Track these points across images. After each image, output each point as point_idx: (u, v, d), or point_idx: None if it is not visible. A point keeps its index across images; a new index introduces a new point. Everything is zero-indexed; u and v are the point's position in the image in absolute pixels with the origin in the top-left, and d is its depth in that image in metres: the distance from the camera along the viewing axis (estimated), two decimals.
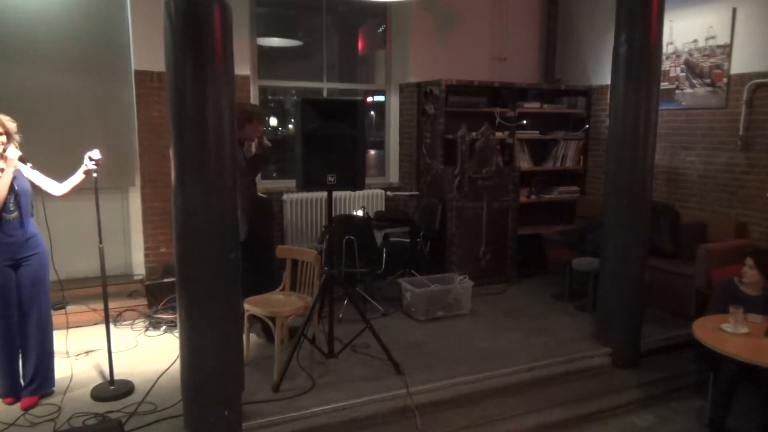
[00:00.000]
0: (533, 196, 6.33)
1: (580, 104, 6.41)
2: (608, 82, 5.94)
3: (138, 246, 5.32)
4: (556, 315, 4.88)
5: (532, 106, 6.20)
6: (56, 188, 3.49)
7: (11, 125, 3.38)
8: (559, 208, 6.53)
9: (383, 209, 6.07)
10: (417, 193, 6.08)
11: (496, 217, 5.62)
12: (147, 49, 4.93)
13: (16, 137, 3.40)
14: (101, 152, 3.53)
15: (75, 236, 4.99)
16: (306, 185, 3.66)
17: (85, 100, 5.00)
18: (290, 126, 6.63)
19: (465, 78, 5.96)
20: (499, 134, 5.92)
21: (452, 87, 5.76)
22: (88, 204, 3.75)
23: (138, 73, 5.03)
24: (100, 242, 3.53)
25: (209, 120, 2.84)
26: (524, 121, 6.15)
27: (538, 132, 6.29)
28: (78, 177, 3.51)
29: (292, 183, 5.62)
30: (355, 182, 3.71)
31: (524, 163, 6.27)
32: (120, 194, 5.31)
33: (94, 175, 3.48)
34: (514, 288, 5.62)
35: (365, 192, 5.88)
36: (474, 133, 5.58)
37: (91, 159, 3.47)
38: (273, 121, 6.51)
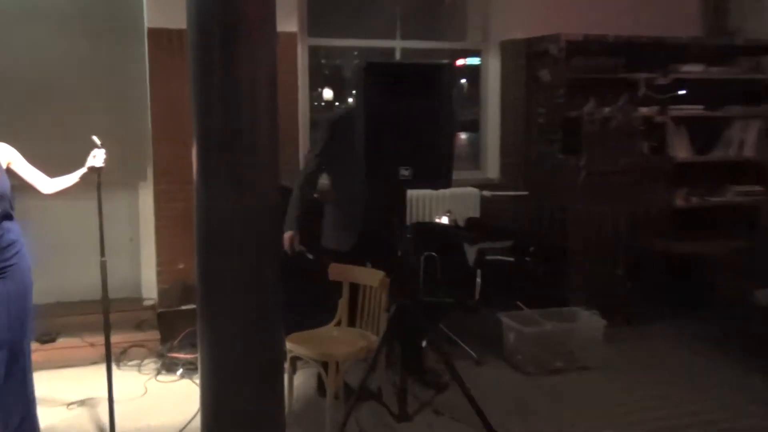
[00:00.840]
0: (694, 199, 6.13)
1: (766, 66, 6.17)
2: None
3: (149, 260, 5.54)
4: (736, 376, 4.68)
5: (694, 69, 6.03)
6: (45, 183, 3.68)
7: None
8: (734, 217, 6.30)
9: (477, 215, 6.04)
10: (525, 193, 6.03)
11: (639, 228, 5.52)
12: (164, 1, 5.15)
13: None
14: (102, 139, 3.71)
15: (67, 246, 5.26)
16: (372, 180, 3.69)
17: (81, 66, 5.26)
18: (350, 100, 6.73)
19: (595, 31, 5.86)
20: (643, 110, 5.80)
21: (576, 44, 5.69)
22: (86, 205, 3.91)
23: (152, 32, 5.26)
24: (102, 255, 3.70)
25: (242, 93, 2.93)
26: (681, 92, 5.99)
27: (701, 107, 6.09)
28: (73, 178, 3.70)
29: None
30: (439, 177, 3.71)
31: (681, 151, 6.09)
32: (126, 192, 5.56)
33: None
34: (667, 330, 5.45)
35: (452, 191, 5.86)
36: (607, 109, 5.48)
37: (94, 168, 3.63)
38: (327, 94, 6.64)
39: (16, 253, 3.50)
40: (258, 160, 3.00)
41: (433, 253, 4.77)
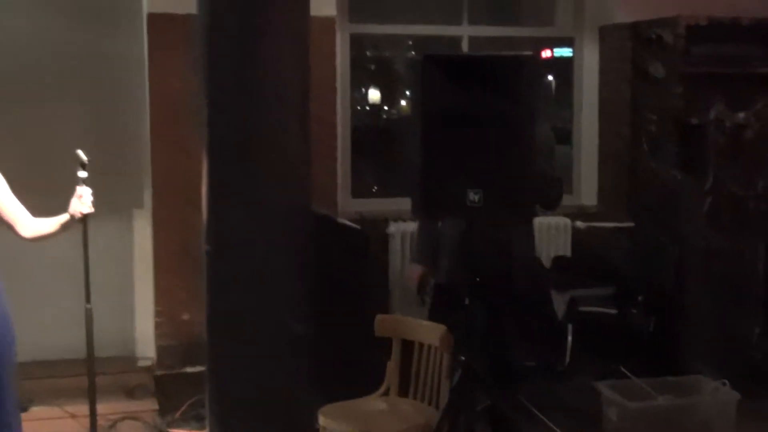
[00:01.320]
0: None
1: None
2: None
3: (145, 309, 5.60)
4: None
5: None
6: (25, 224, 3.74)
7: None
8: None
9: (568, 253, 6.01)
10: (631, 224, 5.98)
11: None
12: None
13: None
14: (90, 154, 3.77)
15: (43, 290, 5.33)
16: (428, 207, 3.69)
17: (63, 59, 5.37)
18: (403, 103, 6.76)
19: (722, 13, 5.81)
20: None
21: (699, 30, 5.65)
22: (68, 237, 3.98)
23: (152, 17, 5.36)
24: (88, 301, 3.73)
25: (266, 92, 2.95)
26: None
27: None
28: (52, 225, 3.75)
29: (402, 204, 5.70)
30: (518, 204, 3.70)
31: None
32: (119, 221, 5.63)
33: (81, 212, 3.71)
34: None
35: (536, 221, 5.82)
36: (741, 114, 5.43)
37: (78, 216, 3.69)
38: (373, 95, 6.69)
39: None
40: (285, 178, 3.01)
41: (510, 303, 4.74)
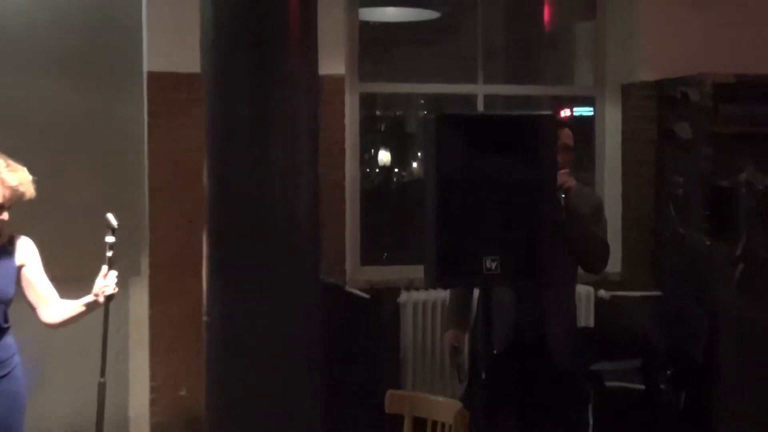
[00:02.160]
0: None
1: None
2: None
3: (139, 384, 5.56)
4: None
5: None
6: (50, 309, 3.75)
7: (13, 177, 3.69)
8: None
9: (591, 324, 5.98)
10: (658, 293, 5.96)
11: None
12: (169, 38, 5.32)
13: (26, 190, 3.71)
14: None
15: (37, 359, 5.31)
16: (442, 275, 3.68)
17: (60, 118, 5.44)
18: (414, 164, 6.78)
19: (752, 69, 5.84)
20: None
21: (727, 88, 5.66)
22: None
23: (153, 76, 5.41)
24: (102, 375, 3.72)
25: (274, 155, 2.97)
26: None
27: None
28: (76, 307, 3.78)
29: (414, 271, 5.70)
30: (538, 271, 3.69)
31: None
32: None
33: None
34: None
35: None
36: None
37: (103, 297, 3.72)
38: (383, 157, 6.72)
39: (10, 373, 3.64)
40: (292, 245, 3.01)
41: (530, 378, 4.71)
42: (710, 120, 5.65)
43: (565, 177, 4.12)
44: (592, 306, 5.98)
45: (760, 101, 5.78)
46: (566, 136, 4.36)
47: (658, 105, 6.03)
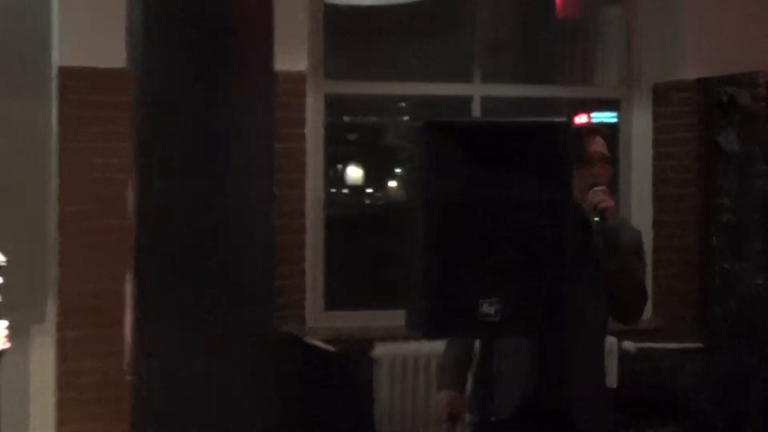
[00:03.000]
0: None
1: None
2: None
3: None
4: None
5: None
6: None
7: None
8: None
9: (614, 384, 5.95)
10: (699, 345, 5.98)
11: None
12: (85, 25, 5.29)
13: None
14: None
15: None
16: (428, 323, 3.67)
17: None
18: (393, 184, 6.79)
19: None
20: None
21: None
22: None
23: (65, 73, 5.38)
24: None
25: (218, 176, 2.97)
26: None
27: None
28: None
29: (392, 318, 5.69)
30: (551, 317, 3.69)
31: None
32: (10, 341, 5.58)
33: None
34: None
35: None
36: None
37: None
38: (353, 173, 6.73)
39: None
40: (240, 287, 3.01)
41: None
42: (765, 129, 5.68)
43: (601, 195, 4.05)
44: (615, 361, 5.98)
45: None
46: (599, 144, 4.31)
47: (699, 110, 6.05)
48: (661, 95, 6.30)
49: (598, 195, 4.01)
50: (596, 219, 3.97)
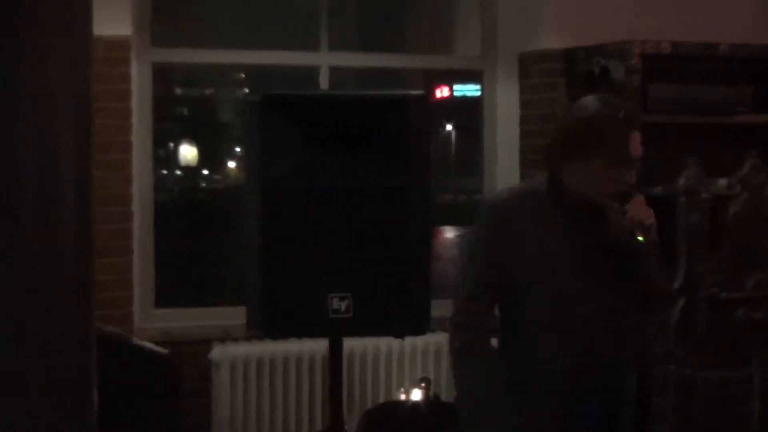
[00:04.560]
0: None
1: None
2: None
3: None
4: None
5: None
6: None
7: None
8: None
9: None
10: None
11: None
12: None
13: None
14: None
15: None
16: (272, 321, 3.67)
17: None
18: (232, 165, 6.75)
19: (690, 37, 6.01)
20: None
21: (659, 60, 5.85)
22: None
23: None
24: None
25: (20, 158, 2.89)
26: None
27: None
28: None
29: (232, 316, 5.67)
30: (406, 314, 3.71)
31: None
32: None
33: None
34: None
35: (433, 340, 5.87)
36: (722, 181, 5.57)
37: None
38: (187, 153, 6.66)
39: None
40: (54, 280, 2.94)
41: None
42: (638, 104, 5.73)
43: (643, 208, 3.75)
44: None
45: (704, 79, 5.93)
46: (637, 141, 3.88)
47: (568, 82, 6.15)
48: (526, 66, 6.39)
49: (643, 209, 3.73)
50: (640, 238, 3.66)
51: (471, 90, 6.57)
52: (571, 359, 3.79)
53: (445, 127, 6.77)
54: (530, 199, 3.80)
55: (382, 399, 5.73)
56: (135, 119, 5.77)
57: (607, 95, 4.00)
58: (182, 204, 6.46)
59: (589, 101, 3.81)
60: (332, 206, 3.67)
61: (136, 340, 5.42)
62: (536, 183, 3.89)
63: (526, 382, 3.86)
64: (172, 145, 6.49)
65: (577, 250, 3.75)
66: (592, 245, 3.73)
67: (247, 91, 6.45)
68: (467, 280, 3.87)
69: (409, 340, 5.58)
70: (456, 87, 6.68)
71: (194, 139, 6.58)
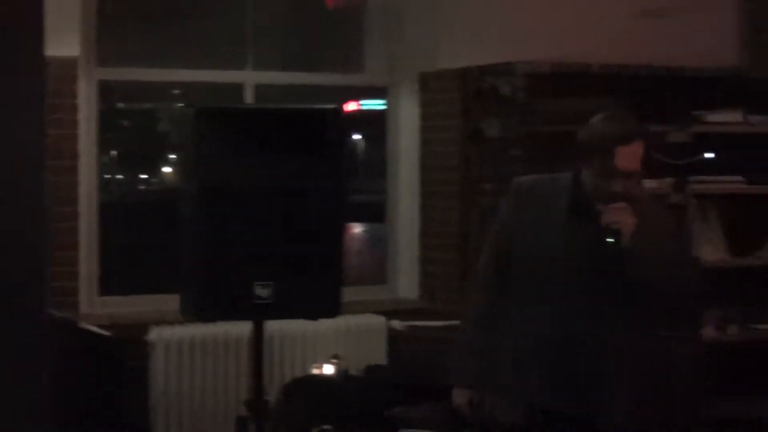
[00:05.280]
0: (733, 328, 6.33)
1: None
2: None
3: None
4: None
5: (728, 119, 6.30)
6: None
7: None
8: None
9: (383, 362, 6.09)
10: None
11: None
12: None
13: None
14: None
15: None
16: (203, 307, 3.68)
17: None
18: (168, 170, 6.73)
19: (571, 58, 6.06)
20: (651, 185, 5.95)
21: (542, 78, 5.88)
22: None
23: None
24: None
25: None
26: (709, 155, 6.26)
27: (740, 179, 6.34)
28: None
29: (168, 302, 5.64)
30: (321, 299, 3.74)
31: (711, 250, 6.32)
32: None
33: None
34: None
35: (341, 323, 5.88)
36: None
37: None
38: (128, 160, 6.63)
39: None
40: (10, 273, 2.94)
41: (328, 427, 4.77)
42: (524, 117, 5.81)
43: (614, 215, 3.71)
44: (383, 340, 6.11)
45: (581, 95, 5.94)
46: (627, 156, 3.78)
47: (462, 98, 6.15)
48: (426, 84, 6.41)
49: (611, 214, 3.71)
50: (610, 240, 3.67)
51: (377, 104, 6.57)
52: (550, 341, 3.81)
53: (354, 137, 6.75)
54: (553, 188, 3.91)
55: (298, 374, 5.74)
56: (82, 130, 5.72)
57: (616, 112, 4.03)
58: (124, 204, 6.43)
59: (596, 117, 3.89)
60: (258, 205, 3.69)
61: (83, 324, 5.39)
62: (563, 177, 3.97)
63: (517, 352, 3.90)
64: (114, 152, 6.45)
65: (577, 242, 3.80)
66: (589, 240, 3.75)
67: (182, 104, 6.45)
68: (490, 252, 4.05)
69: (322, 322, 5.59)
70: (364, 102, 6.69)
71: (134, 148, 6.55)
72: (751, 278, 6.44)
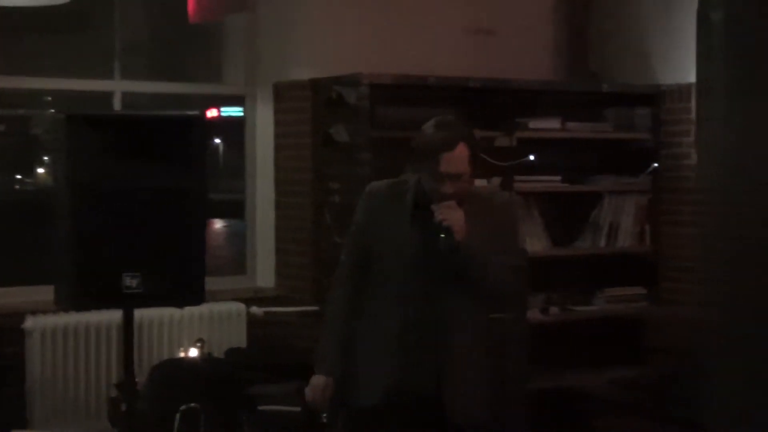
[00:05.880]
0: (554, 310, 6.48)
1: (640, 122, 6.67)
2: (693, 78, 6.21)
3: None
4: None
5: (547, 126, 6.45)
6: None
7: None
8: (611, 333, 6.65)
9: (243, 344, 6.08)
10: (315, 308, 6.03)
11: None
12: None
13: None
14: None
15: None
16: (75, 296, 3.63)
17: None
18: (42, 171, 6.61)
19: (410, 71, 6.13)
20: (481, 184, 6.03)
21: (384, 88, 5.92)
22: None
23: None
24: None
25: None
26: (531, 157, 6.37)
27: (559, 178, 6.52)
28: None
29: (42, 293, 5.54)
30: (186, 288, 3.72)
31: (535, 242, 6.45)
32: None
33: None
34: None
35: (205, 309, 5.86)
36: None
37: None
38: (4, 162, 6.49)
39: None
40: None
41: (194, 405, 4.75)
42: (369, 122, 5.85)
43: (448, 212, 3.71)
44: (243, 324, 6.09)
45: (418, 103, 6.01)
46: (450, 162, 3.75)
47: (313, 106, 6.16)
48: (279, 93, 6.41)
49: (441, 212, 3.70)
50: (441, 236, 3.66)
51: (236, 111, 6.57)
52: (398, 328, 3.83)
53: (214, 141, 6.74)
54: (400, 190, 3.90)
55: (166, 357, 5.69)
56: None
57: (447, 118, 3.95)
58: (1, 202, 6.29)
59: (426, 125, 3.86)
60: (128, 203, 3.65)
61: None
62: (411, 179, 3.95)
63: (368, 340, 3.91)
64: None
65: (418, 238, 3.80)
66: (427, 236, 3.74)
67: (52, 111, 6.34)
68: (348, 250, 4.06)
69: (187, 310, 5.58)
70: (224, 109, 6.67)
71: (9, 151, 6.42)
72: (570, 266, 6.63)
